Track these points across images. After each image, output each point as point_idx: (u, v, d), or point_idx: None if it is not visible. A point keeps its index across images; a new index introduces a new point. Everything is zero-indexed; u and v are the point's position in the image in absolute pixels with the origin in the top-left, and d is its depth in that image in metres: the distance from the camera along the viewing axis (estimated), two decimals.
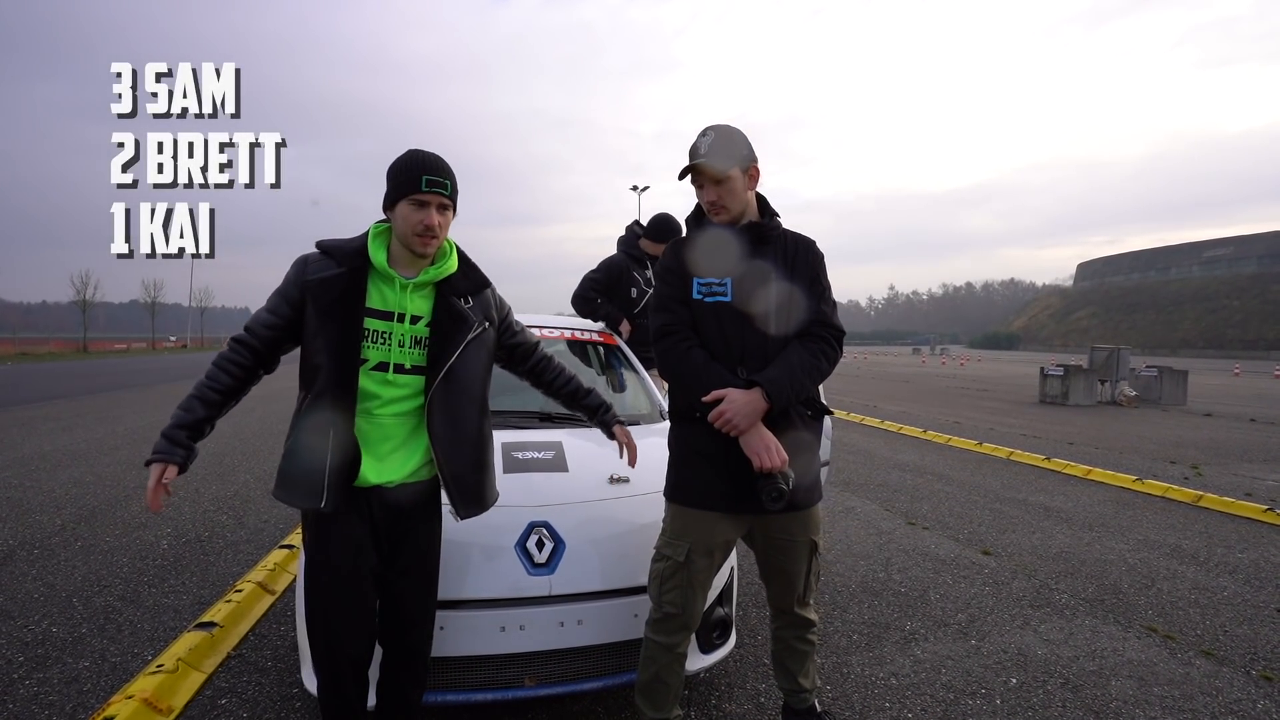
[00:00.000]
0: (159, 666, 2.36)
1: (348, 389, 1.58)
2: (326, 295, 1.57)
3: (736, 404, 1.69)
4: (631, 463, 2.03)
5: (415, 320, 1.64)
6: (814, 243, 1.91)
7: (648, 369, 3.55)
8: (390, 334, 1.62)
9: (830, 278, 1.92)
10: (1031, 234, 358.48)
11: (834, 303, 1.90)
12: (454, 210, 1.66)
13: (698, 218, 1.93)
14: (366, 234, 1.65)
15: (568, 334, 3.46)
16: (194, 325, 62.38)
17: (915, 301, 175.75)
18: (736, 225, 1.85)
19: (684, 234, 1.97)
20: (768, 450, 1.68)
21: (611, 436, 2.05)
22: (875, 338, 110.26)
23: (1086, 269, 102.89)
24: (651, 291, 3.68)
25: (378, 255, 1.61)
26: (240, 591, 3.05)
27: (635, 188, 38.38)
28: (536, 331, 3.40)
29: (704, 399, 1.73)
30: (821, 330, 1.83)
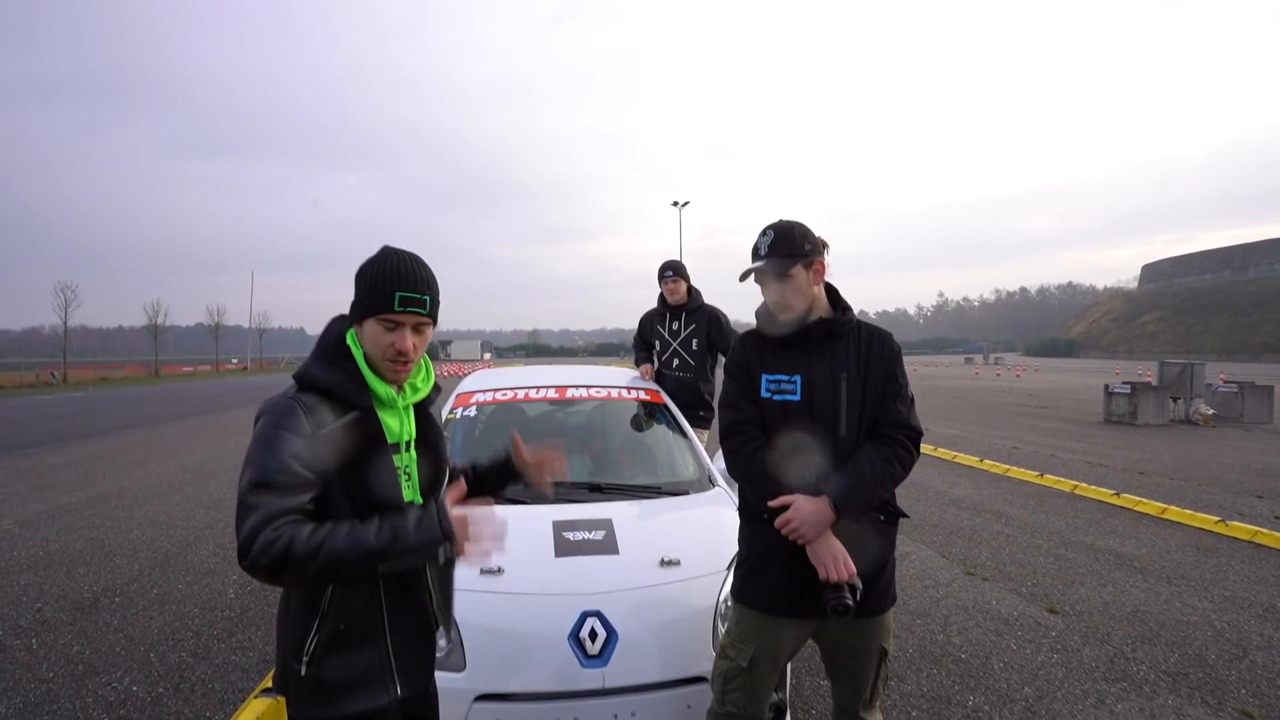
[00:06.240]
0: None
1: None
2: (353, 448, 1.29)
3: (804, 513, 1.64)
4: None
5: (409, 445, 1.41)
6: (890, 336, 1.84)
7: (694, 427, 3.55)
8: (401, 467, 1.38)
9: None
10: (1091, 235, 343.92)
11: (911, 399, 1.81)
12: (435, 322, 1.39)
13: (768, 312, 1.88)
14: (349, 355, 1.34)
15: (614, 394, 3.48)
16: (254, 347, 65.33)
17: (966, 308, 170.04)
18: (805, 321, 1.80)
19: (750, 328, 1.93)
20: (835, 562, 1.63)
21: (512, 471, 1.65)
22: (924, 346, 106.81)
23: (1152, 270, 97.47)
24: (676, 343, 3.93)
25: (377, 383, 1.35)
26: None
27: (676, 203, 38.35)
28: (584, 392, 3.46)
29: (770, 504, 1.69)
30: (896, 432, 1.74)
